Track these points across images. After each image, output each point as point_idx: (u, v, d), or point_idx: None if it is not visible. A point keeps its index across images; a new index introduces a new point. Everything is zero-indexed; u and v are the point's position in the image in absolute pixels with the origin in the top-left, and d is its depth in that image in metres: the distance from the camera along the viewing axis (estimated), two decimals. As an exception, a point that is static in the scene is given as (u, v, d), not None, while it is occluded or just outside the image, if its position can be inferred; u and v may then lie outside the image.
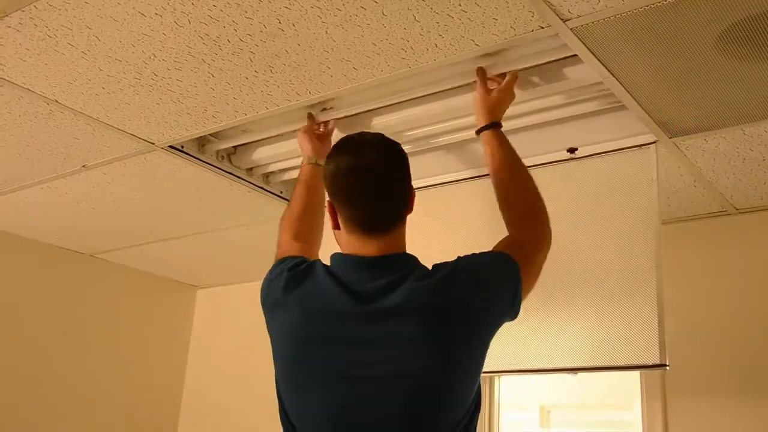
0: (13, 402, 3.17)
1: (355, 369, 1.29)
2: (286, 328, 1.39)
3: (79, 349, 3.48)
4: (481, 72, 1.76)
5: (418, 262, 1.41)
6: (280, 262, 1.53)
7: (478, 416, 1.36)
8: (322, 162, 1.58)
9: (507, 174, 1.62)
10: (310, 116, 2.05)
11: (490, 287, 1.38)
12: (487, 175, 1.71)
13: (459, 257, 1.42)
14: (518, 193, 1.61)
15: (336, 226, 1.46)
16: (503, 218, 1.59)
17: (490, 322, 1.36)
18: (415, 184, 1.48)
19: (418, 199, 1.48)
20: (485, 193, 2.18)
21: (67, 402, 3.39)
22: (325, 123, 2.06)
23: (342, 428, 1.29)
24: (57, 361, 3.38)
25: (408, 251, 1.44)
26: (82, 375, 3.47)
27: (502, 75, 1.76)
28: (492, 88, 1.75)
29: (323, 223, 1.74)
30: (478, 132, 1.72)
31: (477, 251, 1.47)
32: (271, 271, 1.53)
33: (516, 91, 1.79)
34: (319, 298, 1.37)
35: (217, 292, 4.03)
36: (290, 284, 1.42)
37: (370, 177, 1.38)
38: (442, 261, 1.41)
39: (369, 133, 1.50)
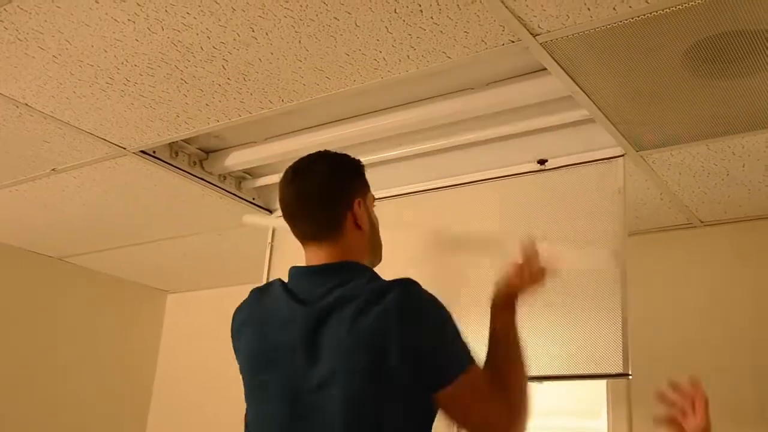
0: (-23, 407, 3.13)
1: (303, 372, 1.30)
2: (247, 346, 1.42)
3: (47, 353, 3.43)
4: None
5: (366, 270, 1.39)
6: None
7: None
8: None
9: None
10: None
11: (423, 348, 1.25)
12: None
13: (406, 293, 1.28)
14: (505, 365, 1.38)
15: None
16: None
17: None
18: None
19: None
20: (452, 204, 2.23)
21: (34, 407, 3.34)
22: None
23: None
24: (24, 366, 3.33)
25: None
26: (49, 379, 3.42)
27: None
28: None
29: None
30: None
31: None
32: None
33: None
34: (271, 309, 1.41)
35: (187, 297, 4.01)
36: (250, 304, 1.47)
37: (297, 191, 1.44)
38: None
39: (317, 152, 1.51)
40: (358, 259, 1.41)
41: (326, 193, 1.43)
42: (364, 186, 1.48)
